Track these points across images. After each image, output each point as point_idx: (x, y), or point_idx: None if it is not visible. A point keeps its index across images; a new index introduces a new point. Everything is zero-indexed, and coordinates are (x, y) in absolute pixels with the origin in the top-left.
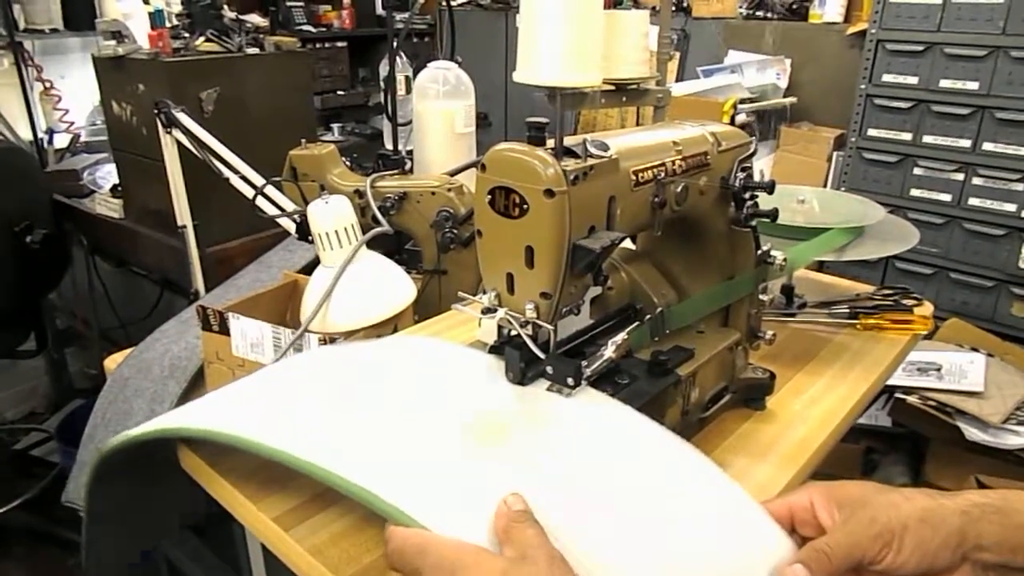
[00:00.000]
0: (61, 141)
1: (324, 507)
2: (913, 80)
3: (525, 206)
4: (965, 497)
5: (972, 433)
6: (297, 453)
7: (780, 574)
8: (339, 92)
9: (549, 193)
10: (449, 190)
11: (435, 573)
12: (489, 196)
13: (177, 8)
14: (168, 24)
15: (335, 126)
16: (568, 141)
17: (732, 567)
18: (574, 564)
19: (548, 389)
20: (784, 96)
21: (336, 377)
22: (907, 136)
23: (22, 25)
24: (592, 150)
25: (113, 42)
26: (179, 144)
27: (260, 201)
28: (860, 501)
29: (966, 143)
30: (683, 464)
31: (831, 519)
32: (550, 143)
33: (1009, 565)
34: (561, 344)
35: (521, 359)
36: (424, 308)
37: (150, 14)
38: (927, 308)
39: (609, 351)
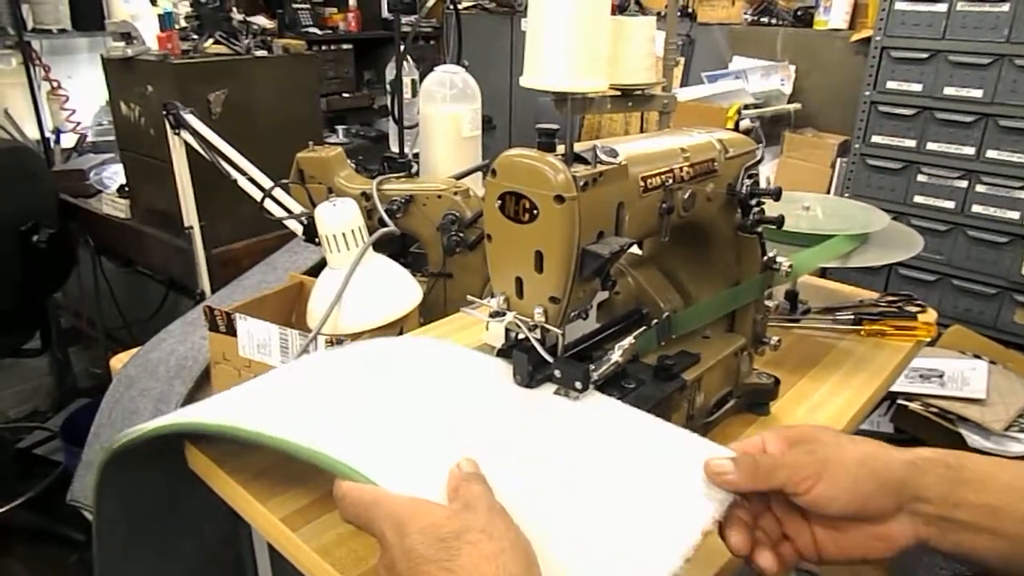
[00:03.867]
0: (68, 141)
1: (332, 507)
2: (917, 87)
3: (535, 211)
4: (916, 452)
5: (974, 440)
6: (270, 431)
7: (706, 463)
8: (344, 94)
9: (559, 199)
10: (455, 193)
11: (385, 522)
12: (499, 201)
13: (185, 10)
14: (177, 26)
15: (340, 128)
16: (577, 147)
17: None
18: (523, 524)
19: (555, 393)
20: (788, 102)
21: (341, 374)
22: (911, 143)
23: (30, 25)
24: (601, 156)
25: (122, 43)
26: (186, 145)
27: (267, 203)
28: (808, 438)
29: (970, 150)
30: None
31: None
32: (560, 149)
33: (949, 518)
34: (569, 348)
35: (529, 362)
36: (430, 311)
37: (159, 16)
38: (930, 315)
39: (616, 355)
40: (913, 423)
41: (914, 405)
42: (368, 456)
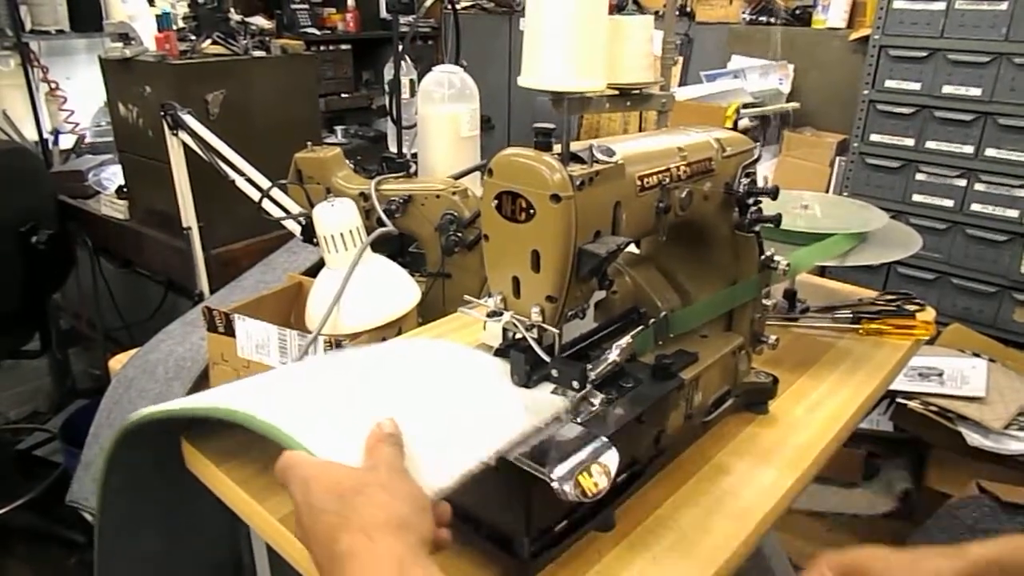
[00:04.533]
0: (66, 142)
1: None
2: (916, 86)
3: (532, 211)
4: (971, 555)
5: (974, 438)
6: (224, 405)
7: None
8: (343, 95)
9: (555, 198)
10: (454, 193)
11: (296, 483)
12: (496, 201)
13: (183, 10)
14: (175, 27)
15: (338, 128)
16: (574, 146)
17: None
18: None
19: (553, 392)
20: (787, 101)
21: (333, 367)
22: (910, 142)
23: (28, 26)
24: (598, 155)
25: (120, 44)
26: (185, 146)
27: (265, 203)
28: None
29: (969, 149)
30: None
31: None
32: (556, 148)
33: None
34: (566, 347)
35: (527, 362)
36: (428, 311)
37: (157, 17)
38: (929, 313)
39: (614, 355)
40: (913, 422)
41: (914, 404)
42: (307, 426)
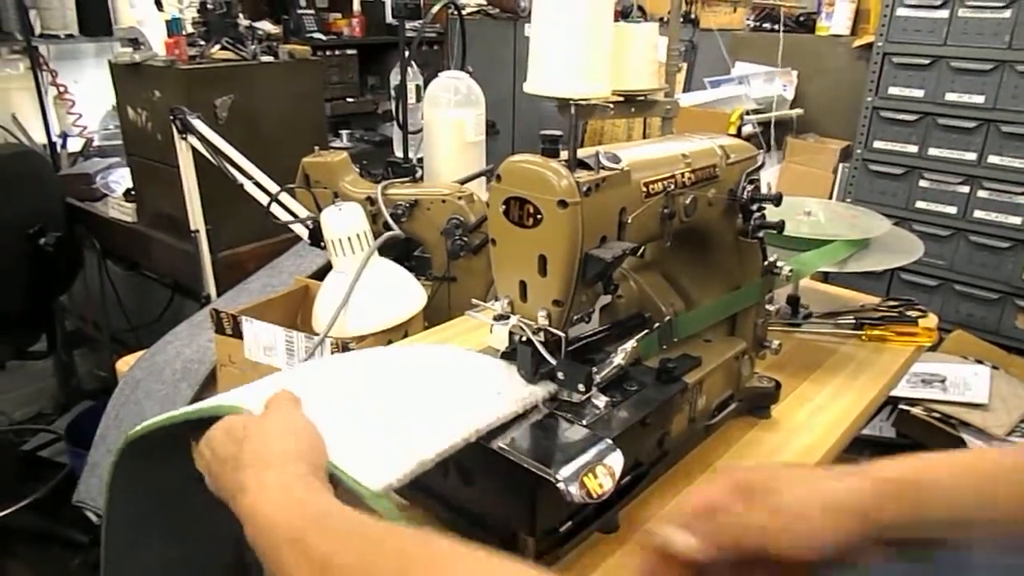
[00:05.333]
0: (74, 145)
1: None
2: (919, 93)
3: (539, 216)
4: (873, 473)
5: (976, 445)
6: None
7: (665, 532)
8: (348, 99)
9: (562, 204)
10: (459, 198)
11: (204, 442)
12: (504, 206)
13: (191, 15)
14: (184, 32)
15: (344, 133)
16: (581, 153)
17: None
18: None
19: (558, 394)
20: (790, 108)
21: (341, 372)
22: (913, 149)
23: (38, 30)
24: (604, 162)
25: (130, 49)
26: (193, 150)
27: (273, 207)
28: (762, 485)
29: (972, 156)
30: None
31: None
32: (563, 155)
33: (914, 536)
34: (571, 351)
35: (532, 365)
36: (434, 314)
37: (167, 22)
38: (932, 320)
39: (618, 358)
40: (915, 428)
41: (916, 410)
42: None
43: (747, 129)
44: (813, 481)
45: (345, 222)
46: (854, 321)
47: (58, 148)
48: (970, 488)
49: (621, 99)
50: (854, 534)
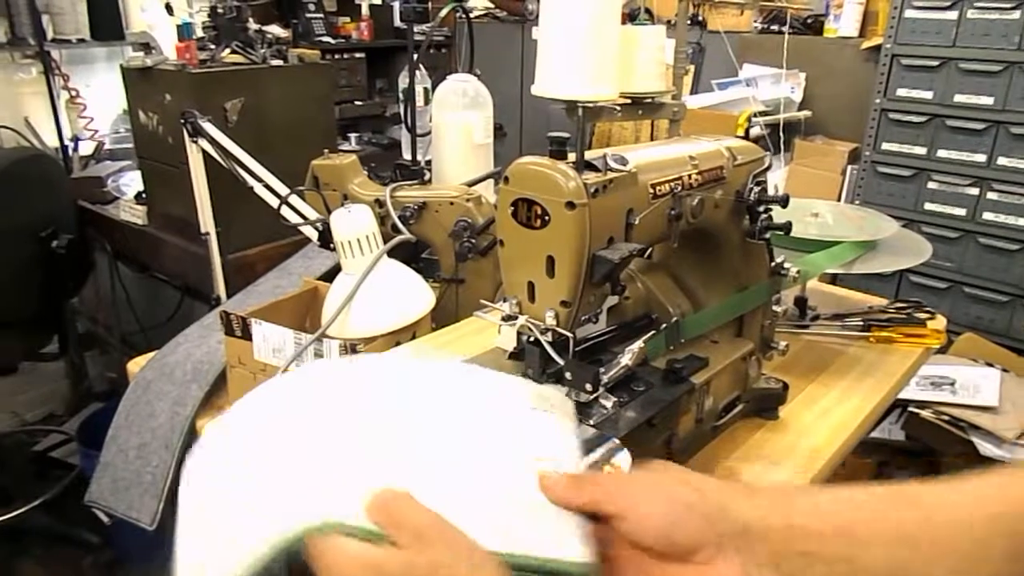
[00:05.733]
0: (86, 148)
1: None
2: (928, 95)
3: (547, 217)
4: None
5: (986, 448)
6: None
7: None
8: (356, 102)
9: (570, 205)
10: (468, 200)
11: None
12: (512, 207)
13: (200, 19)
14: (195, 36)
15: (352, 136)
16: (588, 155)
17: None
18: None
19: (567, 395)
20: (798, 109)
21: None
22: (921, 150)
23: (50, 35)
24: (612, 164)
25: (141, 53)
26: (203, 153)
27: (283, 209)
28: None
29: (981, 158)
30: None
31: None
32: (571, 157)
33: (791, 553)
34: (579, 351)
35: (541, 364)
36: (442, 316)
37: (178, 26)
38: (940, 322)
39: (626, 359)
40: (924, 431)
41: (926, 413)
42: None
43: (755, 131)
44: (681, 470)
45: (354, 224)
46: (862, 323)
47: (70, 151)
48: (844, 494)
49: (628, 101)
50: (703, 523)
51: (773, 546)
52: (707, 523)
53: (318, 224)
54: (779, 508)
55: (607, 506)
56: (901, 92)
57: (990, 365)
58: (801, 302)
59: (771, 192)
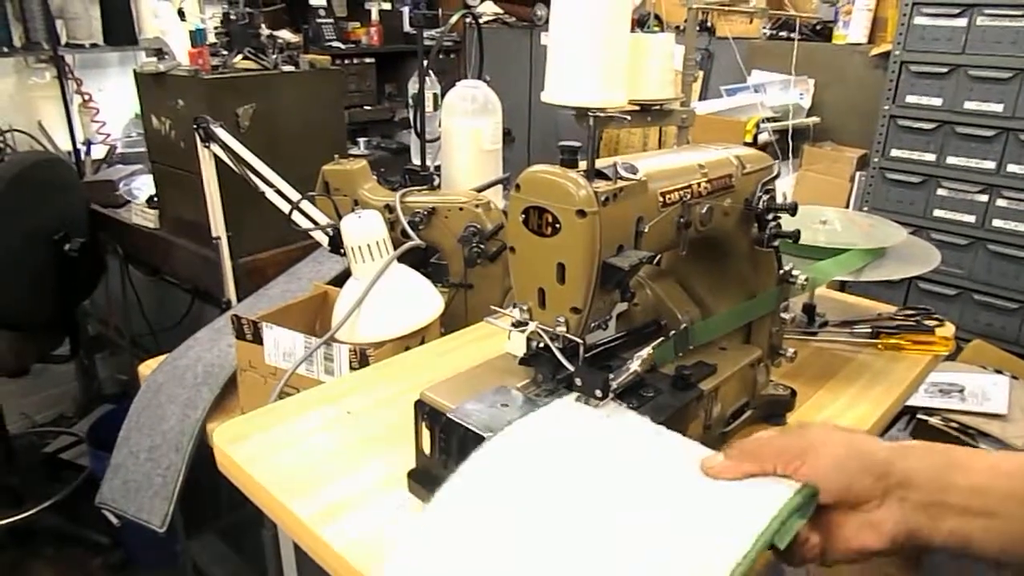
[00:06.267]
0: (98, 152)
1: (356, 508)
2: (937, 101)
3: (557, 225)
4: (903, 442)
5: None
6: None
7: (701, 461)
8: (366, 107)
9: (581, 213)
10: (477, 206)
11: None
12: (523, 215)
13: (213, 24)
14: (207, 42)
15: (361, 140)
16: (598, 163)
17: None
18: None
19: (576, 400)
20: (807, 116)
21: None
22: (931, 157)
23: (64, 40)
24: (622, 172)
25: (154, 59)
26: (215, 158)
27: (294, 214)
28: (798, 427)
29: (990, 164)
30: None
31: None
32: (582, 165)
33: (939, 503)
34: (588, 357)
35: (551, 370)
36: (450, 321)
37: (191, 32)
38: (948, 329)
39: (635, 365)
40: (933, 438)
41: (934, 420)
42: None
43: (763, 137)
44: (844, 429)
45: (365, 229)
46: (870, 330)
47: (82, 155)
48: (993, 458)
49: (637, 108)
50: (873, 479)
51: (925, 496)
52: (875, 478)
53: (328, 229)
54: (933, 461)
55: (781, 469)
56: (910, 99)
57: (999, 372)
58: (809, 309)
59: (779, 198)
